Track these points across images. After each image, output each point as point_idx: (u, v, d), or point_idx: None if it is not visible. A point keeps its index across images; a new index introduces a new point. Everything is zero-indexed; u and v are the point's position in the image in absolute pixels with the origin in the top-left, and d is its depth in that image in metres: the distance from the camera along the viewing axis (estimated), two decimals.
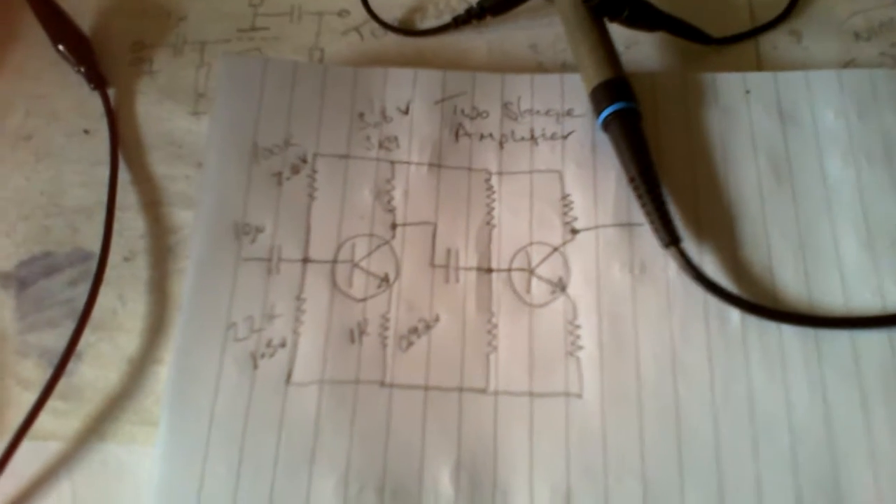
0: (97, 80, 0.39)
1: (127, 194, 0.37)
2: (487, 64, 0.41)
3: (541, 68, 0.41)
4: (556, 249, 0.36)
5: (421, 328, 0.34)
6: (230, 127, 0.38)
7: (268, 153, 0.37)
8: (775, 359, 0.33)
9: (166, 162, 0.38)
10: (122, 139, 0.39)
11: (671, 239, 0.34)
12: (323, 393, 0.33)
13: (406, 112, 0.38)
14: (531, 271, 0.35)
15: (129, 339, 0.35)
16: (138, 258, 0.36)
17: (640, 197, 0.35)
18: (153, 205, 0.37)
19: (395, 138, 0.38)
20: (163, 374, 0.34)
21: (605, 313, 0.34)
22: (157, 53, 0.41)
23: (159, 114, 0.39)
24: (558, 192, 0.37)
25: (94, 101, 0.40)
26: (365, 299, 0.35)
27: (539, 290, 0.35)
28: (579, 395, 0.33)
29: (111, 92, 0.40)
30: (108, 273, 0.35)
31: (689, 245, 0.35)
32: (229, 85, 0.39)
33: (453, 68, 0.39)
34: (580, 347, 0.34)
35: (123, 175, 0.38)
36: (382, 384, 0.33)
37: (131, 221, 0.37)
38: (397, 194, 0.36)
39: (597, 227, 0.36)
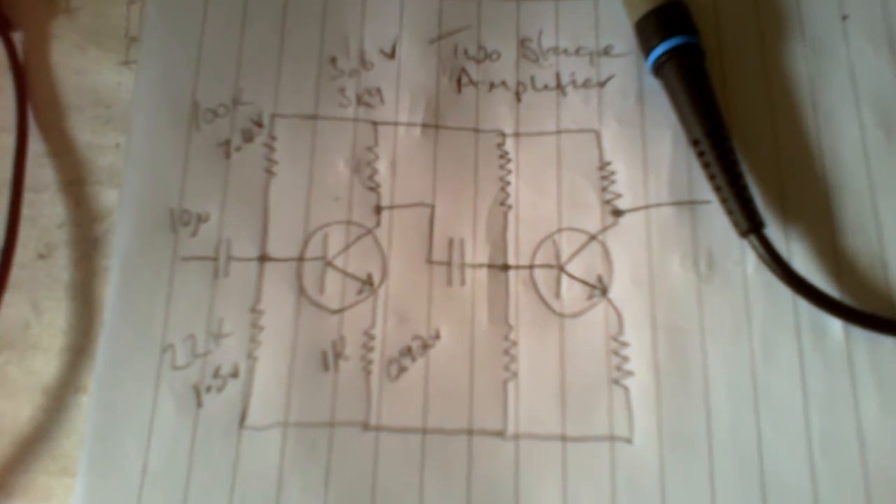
0: None
1: (40, 170, 0.31)
2: None
3: None
4: (593, 238, 0.28)
5: (416, 348, 0.27)
6: (161, 81, 0.30)
7: (211, 115, 0.30)
8: (893, 384, 0.25)
9: (91, 127, 0.32)
10: (32, 98, 0.32)
11: (751, 224, 0.26)
12: (287, 439, 0.26)
13: (392, 55, 0.31)
14: (560, 268, 0.28)
15: (45, 362, 0.29)
16: (56, 254, 0.30)
17: (707, 166, 0.27)
18: (75, 183, 0.31)
19: (378, 91, 0.30)
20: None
21: (660, 325, 0.27)
22: None
23: (81, 64, 0.33)
24: (595, 159, 0.29)
25: None
26: (342, 310, 0.27)
27: (572, 293, 0.27)
28: (628, 440, 0.26)
29: (17, 36, 0.33)
30: (17, 274, 0.29)
31: (773, 231, 0.27)
32: (160, 25, 0.31)
33: None
34: (628, 373, 0.26)
35: (36, 145, 0.32)
36: (366, 427, 0.26)
37: (47, 206, 0.31)
38: (382, 166, 0.29)
39: (647, 206, 0.28)
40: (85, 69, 0.33)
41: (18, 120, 0.31)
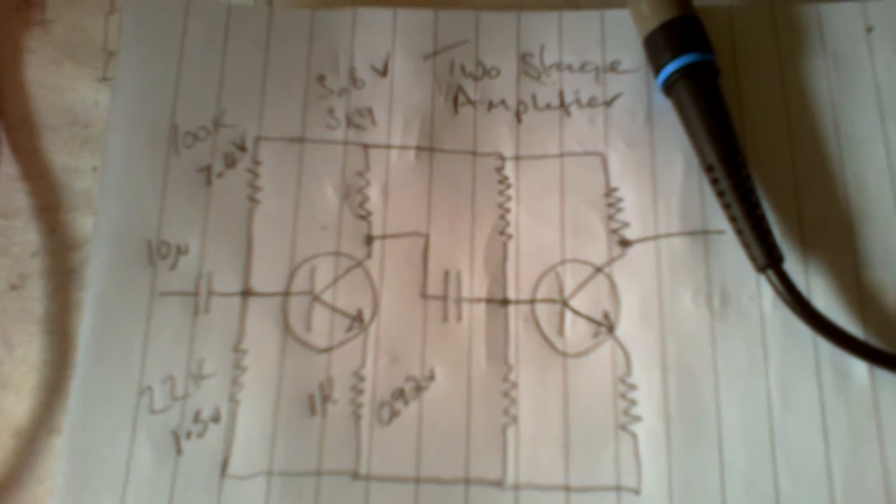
0: None
1: (13, 195, 0.30)
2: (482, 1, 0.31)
3: (571, 2, 0.30)
4: (599, 270, 0.26)
5: (409, 391, 0.25)
6: (139, 101, 0.28)
7: (191, 139, 0.28)
8: None
9: (67, 149, 0.30)
10: (4, 117, 0.31)
11: (769, 258, 0.24)
12: (272, 489, 0.24)
13: (384, 73, 0.29)
14: (564, 302, 0.26)
15: (16, 401, 0.27)
16: (30, 285, 0.29)
17: (721, 194, 0.25)
18: (50, 210, 0.30)
19: (370, 111, 0.28)
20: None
21: (671, 366, 0.25)
22: None
23: (56, 81, 0.31)
24: (601, 184, 0.27)
25: None
26: (330, 349, 0.26)
27: (576, 330, 0.26)
28: (636, 490, 0.24)
29: None
30: None
31: (792, 264, 0.26)
32: (137, 40, 0.29)
33: (449, 5, 0.30)
34: (636, 418, 0.24)
35: (7, 168, 0.30)
36: (356, 476, 0.24)
37: (19, 234, 0.29)
38: (373, 193, 0.27)
39: (657, 236, 0.26)
40: (60, 86, 0.31)
41: None
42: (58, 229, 0.29)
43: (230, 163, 0.28)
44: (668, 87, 0.27)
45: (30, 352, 0.28)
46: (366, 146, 0.28)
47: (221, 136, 0.28)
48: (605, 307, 0.26)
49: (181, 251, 0.27)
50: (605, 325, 0.25)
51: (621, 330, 0.25)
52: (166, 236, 0.27)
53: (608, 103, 0.28)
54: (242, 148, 0.28)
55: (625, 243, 0.26)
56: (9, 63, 0.32)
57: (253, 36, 0.29)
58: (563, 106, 0.28)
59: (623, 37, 0.28)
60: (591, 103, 0.28)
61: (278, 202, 0.27)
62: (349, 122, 0.28)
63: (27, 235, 0.29)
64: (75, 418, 0.25)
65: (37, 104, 0.31)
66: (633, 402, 0.24)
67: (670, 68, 0.26)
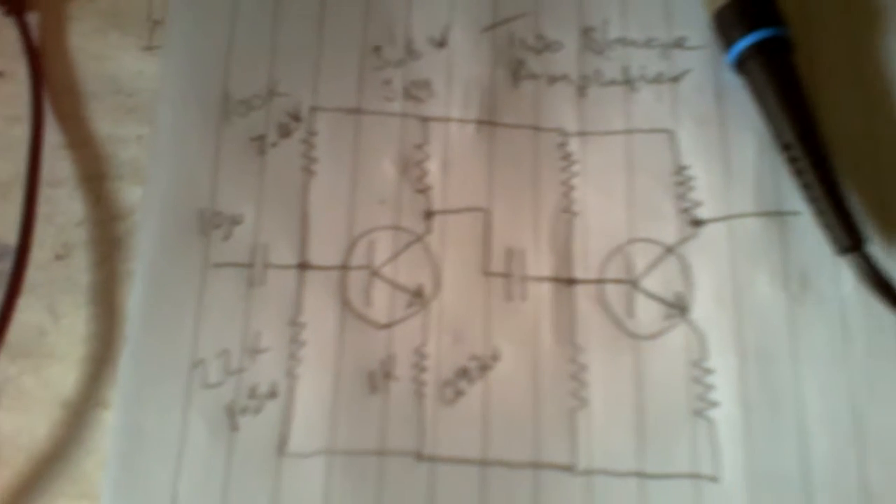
0: (12, 1, 0.31)
1: (57, 164, 0.29)
2: None
3: None
4: (669, 250, 0.25)
5: (474, 370, 0.24)
6: (189, 69, 0.28)
7: (245, 107, 0.27)
8: None
9: (112, 117, 0.30)
10: (49, 85, 0.30)
11: (851, 240, 0.24)
12: (333, 469, 0.23)
13: (442, 44, 0.28)
14: (634, 283, 0.25)
15: (62, 372, 0.27)
16: (75, 254, 0.28)
17: (799, 173, 0.24)
18: (95, 178, 0.29)
19: (428, 83, 0.28)
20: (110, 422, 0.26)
21: (749, 351, 0.24)
22: None
23: (101, 49, 0.31)
24: (670, 162, 0.26)
25: (9, 31, 0.31)
26: (390, 325, 0.25)
27: (648, 312, 0.25)
28: (714, 478, 0.23)
29: (32, 17, 0.31)
30: (32, 276, 0.27)
31: (874, 246, 0.25)
32: (186, 5, 0.29)
33: None
34: (714, 404, 0.24)
35: (52, 136, 0.30)
36: (419, 456, 0.24)
37: (64, 202, 0.29)
38: (433, 166, 0.26)
39: (730, 216, 0.25)
40: (105, 54, 0.31)
41: (33, 109, 0.29)
42: (103, 199, 0.29)
43: (284, 133, 0.27)
44: (740, 65, 0.26)
45: (76, 322, 0.27)
46: (424, 119, 0.27)
47: (275, 106, 0.27)
48: (677, 288, 0.25)
49: (235, 221, 0.26)
50: (678, 308, 0.25)
51: (695, 312, 0.25)
52: (219, 206, 0.26)
53: (675, 80, 0.27)
54: (297, 118, 0.27)
55: (697, 223, 0.25)
56: (53, 31, 0.31)
57: (307, 2, 0.28)
58: (627, 82, 0.27)
59: (689, 11, 0.28)
60: (658, 80, 0.27)
61: (335, 174, 0.26)
62: (407, 94, 0.27)
63: (72, 204, 0.29)
64: (126, 393, 0.24)
65: (81, 73, 0.31)
66: (709, 387, 0.24)
67: (742, 45, 0.25)
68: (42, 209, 0.28)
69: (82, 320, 0.27)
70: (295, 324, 0.25)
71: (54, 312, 0.27)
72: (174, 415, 0.24)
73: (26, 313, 0.27)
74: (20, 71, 0.30)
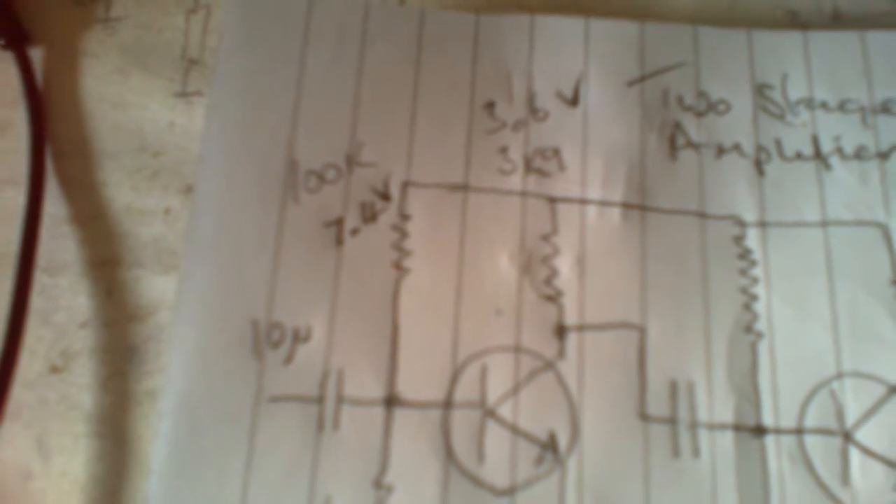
0: (11, 32, 0.27)
1: (58, 243, 0.25)
2: (693, 13, 0.26)
3: (795, 22, 0.25)
4: (895, 391, 0.18)
5: None
6: (241, 127, 0.23)
7: (316, 180, 0.22)
8: None
9: (131, 183, 0.26)
10: (52, 139, 0.27)
11: None
12: None
13: (574, 101, 0.22)
14: (846, 435, 0.19)
15: None
16: (76, 367, 0.23)
17: None
18: (107, 264, 0.25)
19: (556, 152, 0.22)
20: None
21: None
22: None
23: (121, 95, 0.27)
24: (886, 267, 0.20)
25: (6, 68, 0.27)
26: (513, 489, 0.19)
27: (868, 476, 0.19)
28: None
29: (36, 53, 0.28)
30: (19, 395, 0.23)
31: None
32: (241, 45, 0.23)
33: (653, 17, 0.24)
34: None
35: (54, 206, 0.26)
36: None
37: (66, 296, 0.25)
38: (564, 265, 0.21)
39: None
40: (126, 101, 0.26)
41: (32, 170, 0.25)
42: (116, 292, 0.24)
43: (369, 216, 0.21)
44: None
45: (73, 462, 0.22)
46: (552, 199, 0.21)
47: (357, 179, 0.21)
48: None
49: (300, 338, 0.20)
50: None
51: None
52: (279, 316, 0.20)
53: (884, 156, 0.21)
54: (385, 196, 0.21)
55: None
56: (62, 71, 0.27)
57: (398, 46, 0.23)
58: (818, 156, 0.21)
59: (895, 65, 0.22)
60: (860, 155, 0.21)
61: (434, 273, 0.21)
62: (528, 167, 0.22)
63: (75, 299, 0.24)
64: None
65: (95, 124, 0.26)
66: None
67: None
68: (36, 303, 0.23)
69: (81, 460, 0.22)
70: (380, 486, 0.19)
71: (44, 448, 0.23)
72: None
73: (7, 448, 0.22)
74: (18, 120, 0.26)
